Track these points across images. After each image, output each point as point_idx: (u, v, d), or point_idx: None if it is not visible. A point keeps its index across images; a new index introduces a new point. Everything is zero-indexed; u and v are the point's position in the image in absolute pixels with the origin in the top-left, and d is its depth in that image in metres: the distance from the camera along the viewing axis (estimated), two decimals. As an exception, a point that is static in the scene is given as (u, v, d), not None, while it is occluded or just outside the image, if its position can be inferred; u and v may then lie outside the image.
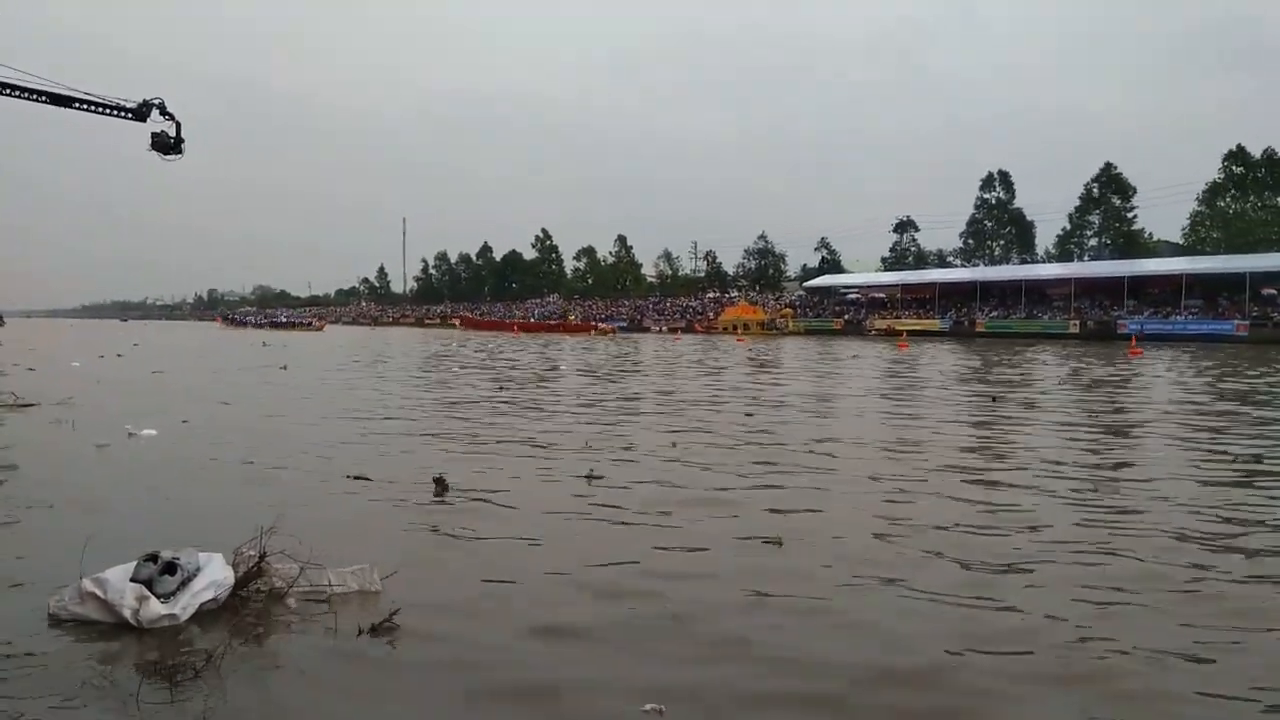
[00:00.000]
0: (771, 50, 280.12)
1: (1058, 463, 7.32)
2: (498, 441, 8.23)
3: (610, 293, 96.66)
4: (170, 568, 3.62)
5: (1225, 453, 7.83)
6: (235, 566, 3.83)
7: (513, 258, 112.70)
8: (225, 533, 4.26)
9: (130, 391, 13.72)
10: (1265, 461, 7.41)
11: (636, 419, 10.27)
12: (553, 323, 66.20)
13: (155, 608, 3.51)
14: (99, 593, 3.54)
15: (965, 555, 4.55)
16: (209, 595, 3.65)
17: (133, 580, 3.57)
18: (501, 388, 13.73)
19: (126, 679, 3.07)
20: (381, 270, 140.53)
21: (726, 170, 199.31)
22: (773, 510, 5.48)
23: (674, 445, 8.01)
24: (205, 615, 3.61)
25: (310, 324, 70.11)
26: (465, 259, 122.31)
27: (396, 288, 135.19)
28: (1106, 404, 12.29)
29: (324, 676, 3.13)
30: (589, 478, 6.32)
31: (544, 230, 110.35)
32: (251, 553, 3.89)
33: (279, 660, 3.27)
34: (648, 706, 2.90)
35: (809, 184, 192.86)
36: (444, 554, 4.58)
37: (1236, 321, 45.82)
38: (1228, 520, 5.33)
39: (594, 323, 65.39)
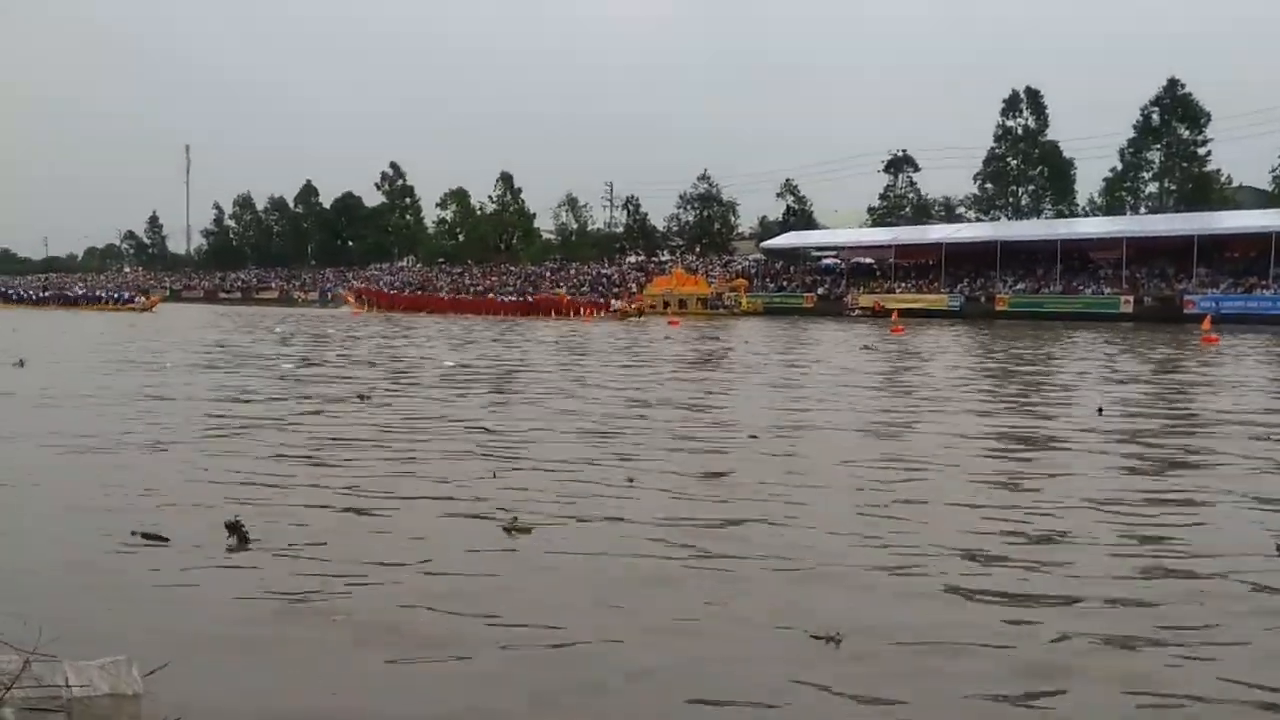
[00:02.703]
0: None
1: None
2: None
3: (491, 254, 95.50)
4: None
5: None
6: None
7: (348, 204, 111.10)
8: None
9: None
10: None
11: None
12: (524, 301, 61.80)
13: None
14: None
15: None
16: None
17: None
18: (361, 396, 13.27)
19: None
20: (154, 220, 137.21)
21: (655, 83, 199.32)
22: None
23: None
24: None
25: (132, 300, 65.40)
26: (279, 205, 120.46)
27: (177, 246, 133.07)
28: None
29: None
30: (512, 528, 6.16)
31: (393, 165, 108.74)
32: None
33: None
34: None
35: (769, 103, 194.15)
36: (240, 634, 4.49)
37: (1347, 297, 47.04)
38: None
39: (599, 300, 60.35)
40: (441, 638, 4.41)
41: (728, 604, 4.80)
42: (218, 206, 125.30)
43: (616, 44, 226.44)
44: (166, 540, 5.84)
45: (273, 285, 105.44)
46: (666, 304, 59.46)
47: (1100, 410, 12.41)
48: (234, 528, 5.90)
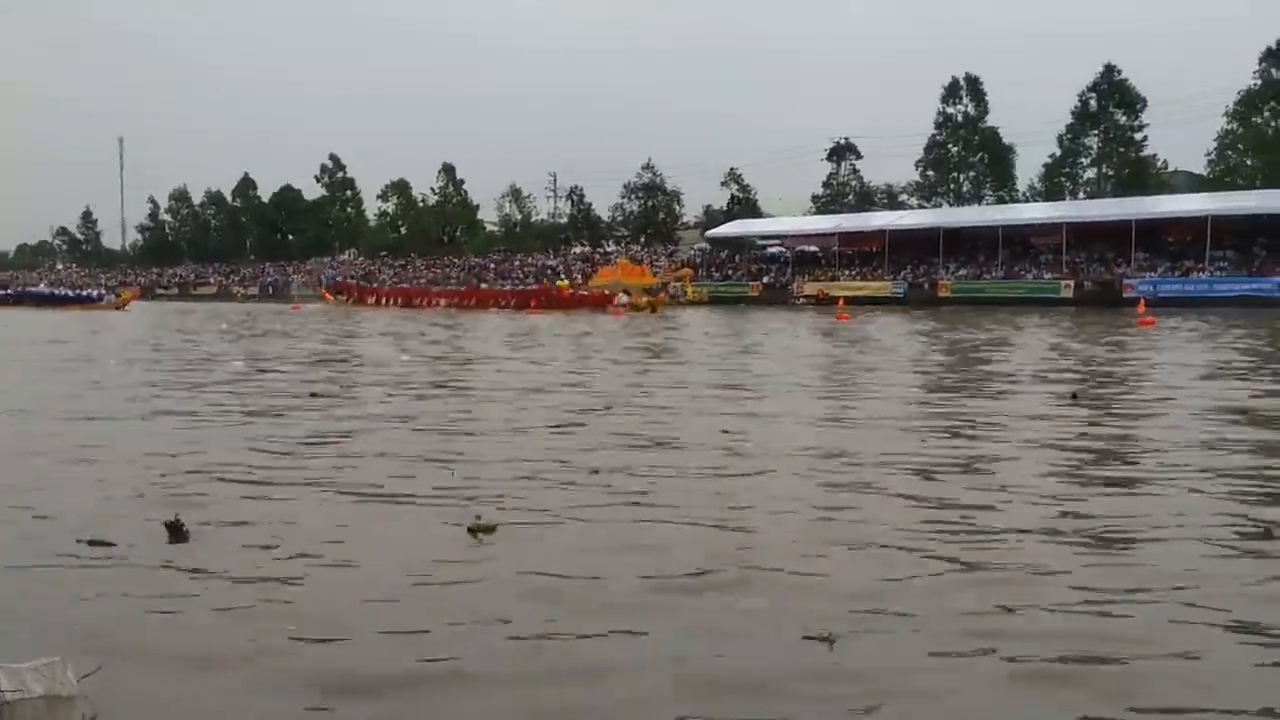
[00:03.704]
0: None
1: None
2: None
3: (434, 247, 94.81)
4: None
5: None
6: None
7: (287, 197, 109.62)
8: None
9: None
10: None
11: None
12: (528, 289, 59.30)
13: None
14: None
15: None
16: None
17: None
18: (314, 395, 12.88)
19: None
20: (88, 215, 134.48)
21: (597, 75, 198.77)
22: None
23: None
24: None
25: (101, 297, 62.06)
26: (216, 199, 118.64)
27: (111, 241, 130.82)
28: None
29: None
30: (477, 529, 5.84)
31: (333, 157, 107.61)
32: None
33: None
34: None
35: (712, 92, 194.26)
36: (168, 639, 4.36)
37: None
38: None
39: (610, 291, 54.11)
40: (392, 642, 4.19)
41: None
42: (153, 201, 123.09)
43: (558, 36, 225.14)
44: (113, 544, 5.58)
45: (211, 281, 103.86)
46: (612, 295, 58.68)
47: (1074, 395, 12.39)
48: (174, 528, 5.79)
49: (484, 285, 72.38)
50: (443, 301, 58.12)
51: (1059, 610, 4.37)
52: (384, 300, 60.57)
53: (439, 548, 5.54)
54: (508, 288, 63.07)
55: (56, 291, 68.48)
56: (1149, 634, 4.09)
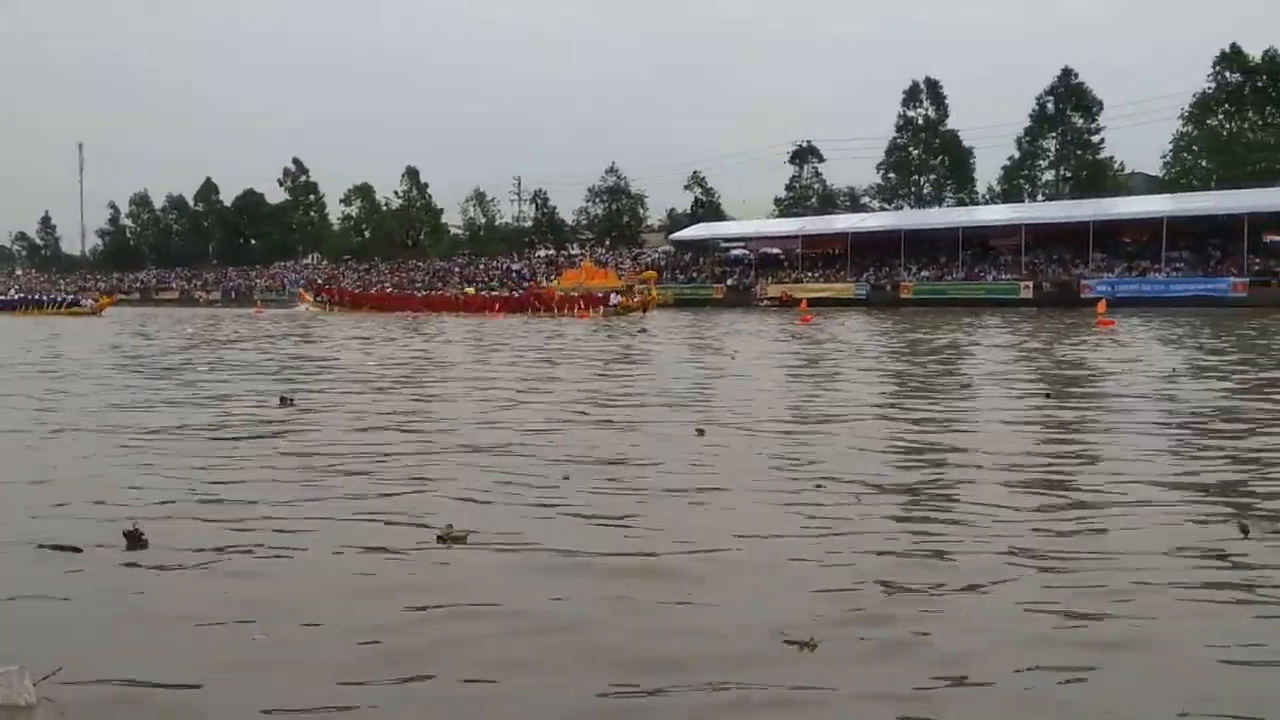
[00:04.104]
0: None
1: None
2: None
3: (398, 251, 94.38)
4: None
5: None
6: None
7: (250, 201, 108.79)
8: None
9: None
10: None
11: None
12: (508, 297, 57.10)
13: None
14: None
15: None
16: None
17: None
18: (284, 399, 12.50)
19: None
20: (46, 220, 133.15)
21: (562, 79, 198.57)
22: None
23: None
24: None
25: (77, 302, 60.31)
26: (178, 203, 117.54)
27: (71, 247, 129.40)
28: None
29: None
30: (448, 537, 5.69)
31: (296, 161, 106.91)
32: None
33: None
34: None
35: (675, 95, 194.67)
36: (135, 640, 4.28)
37: (1233, 279, 48.61)
38: None
39: (597, 294, 53.43)
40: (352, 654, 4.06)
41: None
42: (113, 206, 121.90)
43: (523, 43, 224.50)
44: (79, 550, 5.46)
45: (173, 285, 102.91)
46: (578, 299, 58.24)
47: (1048, 395, 12.41)
48: (132, 536, 5.65)
49: (446, 290, 72.08)
50: (430, 307, 56.89)
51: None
52: (367, 305, 58.95)
53: (406, 555, 5.42)
54: (495, 293, 61.66)
55: (35, 296, 67.19)
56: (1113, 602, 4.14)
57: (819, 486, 6.86)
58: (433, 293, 68.10)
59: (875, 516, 6.02)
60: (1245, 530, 5.48)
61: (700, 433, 9.22)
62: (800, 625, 4.14)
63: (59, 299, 62.36)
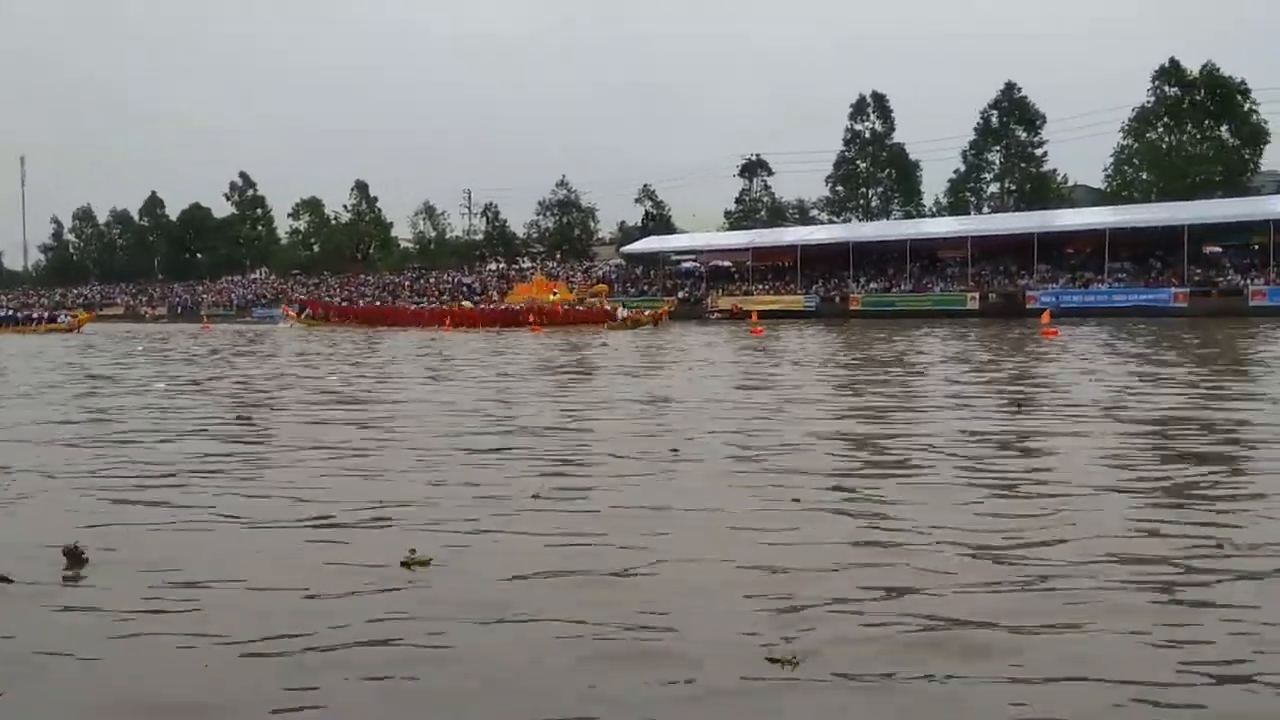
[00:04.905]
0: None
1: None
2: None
3: (348, 265, 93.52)
4: None
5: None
6: None
7: (196, 215, 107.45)
8: None
9: None
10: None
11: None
12: (508, 310, 53.81)
13: None
14: None
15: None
16: None
17: None
18: (241, 417, 12.45)
19: None
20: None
21: (511, 93, 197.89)
22: None
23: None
24: None
25: (56, 319, 58.33)
26: (122, 218, 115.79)
27: (13, 262, 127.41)
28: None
29: None
30: (411, 562, 5.52)
31: (243, 175, 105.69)
32: None
33: None
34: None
35: (624, 110, 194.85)
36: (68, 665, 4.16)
37: (1174, 289, 49.18)
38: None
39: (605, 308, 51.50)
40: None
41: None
42: (56, 220, 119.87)
43: (474, 59, 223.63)
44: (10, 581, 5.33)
45: (118, 301, 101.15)
46: (530, 313, 57.30)
47: (1019, 406, 12.40)
48: (72, 553, 5.62)
49: (398, 302, 71.37)
50: (422, 321, 55.03)
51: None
52: (354, 319, 57.48)
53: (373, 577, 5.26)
54: (473, 304, 58.96)
55: (17, 314, 65.65)
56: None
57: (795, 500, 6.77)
58: (426, 305, 66.49)
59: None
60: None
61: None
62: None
63: (38, 316, 61.38)
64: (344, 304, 69.24)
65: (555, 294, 55.96)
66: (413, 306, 65.66)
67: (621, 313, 48.67)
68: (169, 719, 3.73)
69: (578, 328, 46.81)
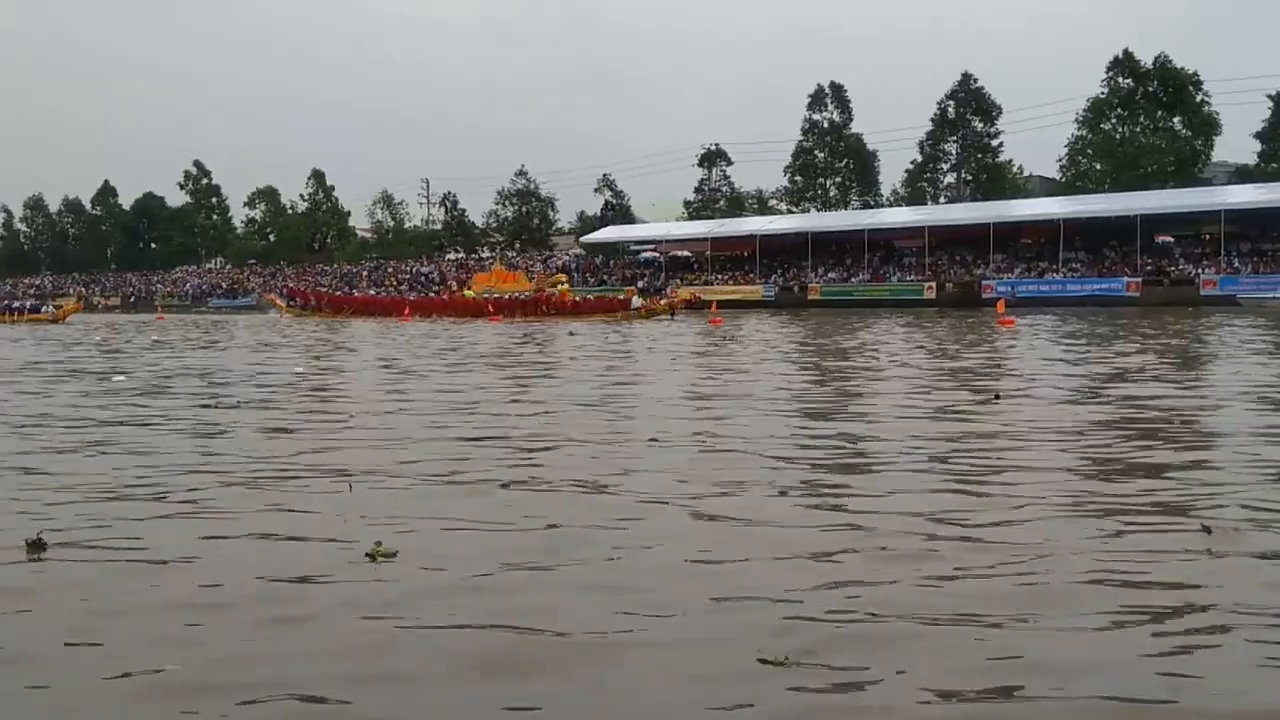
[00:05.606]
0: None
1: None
2: None
3: (304, 254, 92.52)
4: None
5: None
6: None
7: (150, 205, 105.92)
8: None
9: None
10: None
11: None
12: (512, 300, 51.53)
13: None
14: None
15: None
16: None
17: None
18: (208, 405, 12.05)
19: None
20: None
21: (470, 81, 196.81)
22: None
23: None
24: None
25: (40, 309, 56.47)
26: (74, 207, 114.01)
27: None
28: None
29: None
30: (375, 554, 5.40)
31: (198, 164, 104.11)
32: None
33: None
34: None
35: (584, 98, 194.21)
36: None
37: (1127, 279, 49.70)
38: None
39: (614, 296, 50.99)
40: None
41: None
42: (5, 209, 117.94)
43: (432, 43, 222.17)
44: None
45: (70, 292, 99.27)
46: (489, 303, 56.37)
47: (997, 396, 12.34)
48: (36, 545, 5.44)
49: (355, 292, 70.43)
50: (424, 311, 52.69)
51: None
52: (347, 309, 55.43)
53: (329, 565, 5.10)
54: (492, 296, 55.89)
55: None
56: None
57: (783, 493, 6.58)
58: (425, 295, 64.83)
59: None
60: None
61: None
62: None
63: (21, 305, 59.60)
64: (333, 293, 67.61)
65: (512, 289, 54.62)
66: (411, 296, 64.28)
67: (636, 302, 48.02)
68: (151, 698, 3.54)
69: (595, 316, 45.68)
